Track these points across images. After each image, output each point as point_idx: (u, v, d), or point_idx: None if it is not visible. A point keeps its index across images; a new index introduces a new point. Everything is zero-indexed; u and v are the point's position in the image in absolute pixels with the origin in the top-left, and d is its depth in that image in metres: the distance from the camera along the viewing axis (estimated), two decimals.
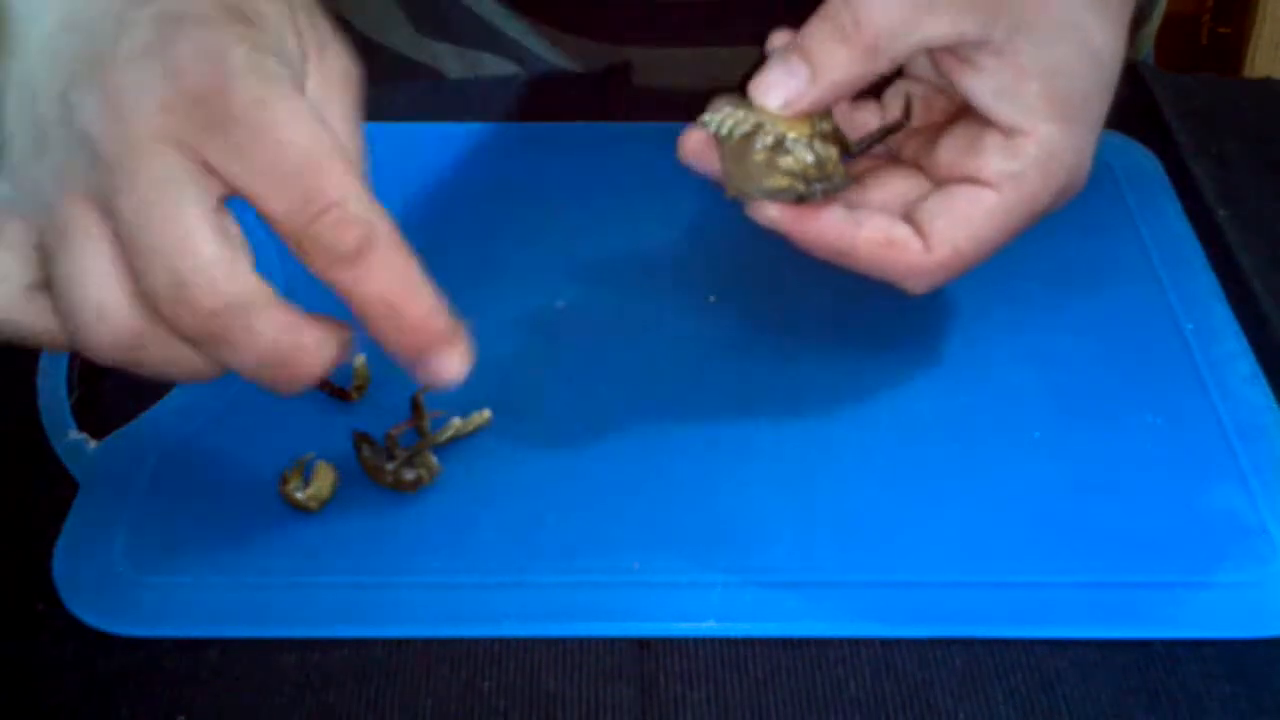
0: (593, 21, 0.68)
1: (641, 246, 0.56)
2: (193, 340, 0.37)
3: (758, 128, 0.41)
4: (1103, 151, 0.60)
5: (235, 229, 0.37)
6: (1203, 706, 0.40)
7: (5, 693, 0.41)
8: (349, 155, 0.37)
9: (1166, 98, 0.64)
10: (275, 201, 0.36)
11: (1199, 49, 1.82)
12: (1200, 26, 1.83)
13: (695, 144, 0.43)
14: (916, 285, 0.44)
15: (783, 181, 0.41)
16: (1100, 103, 0.44)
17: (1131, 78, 0.66)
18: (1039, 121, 0.42)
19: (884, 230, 0.43)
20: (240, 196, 0.36)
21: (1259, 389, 0.49)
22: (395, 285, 0.37)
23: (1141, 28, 0.72)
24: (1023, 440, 0.48)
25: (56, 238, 0.36)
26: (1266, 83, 0.69)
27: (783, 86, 0.42)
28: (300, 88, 0.37)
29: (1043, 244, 0.55)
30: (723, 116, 0.42)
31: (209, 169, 0.35)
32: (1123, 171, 0.60)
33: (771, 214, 0.42)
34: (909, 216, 0.44)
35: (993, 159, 0.43)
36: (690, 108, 0.44)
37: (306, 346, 0.38)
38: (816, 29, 0.41)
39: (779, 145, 0.41)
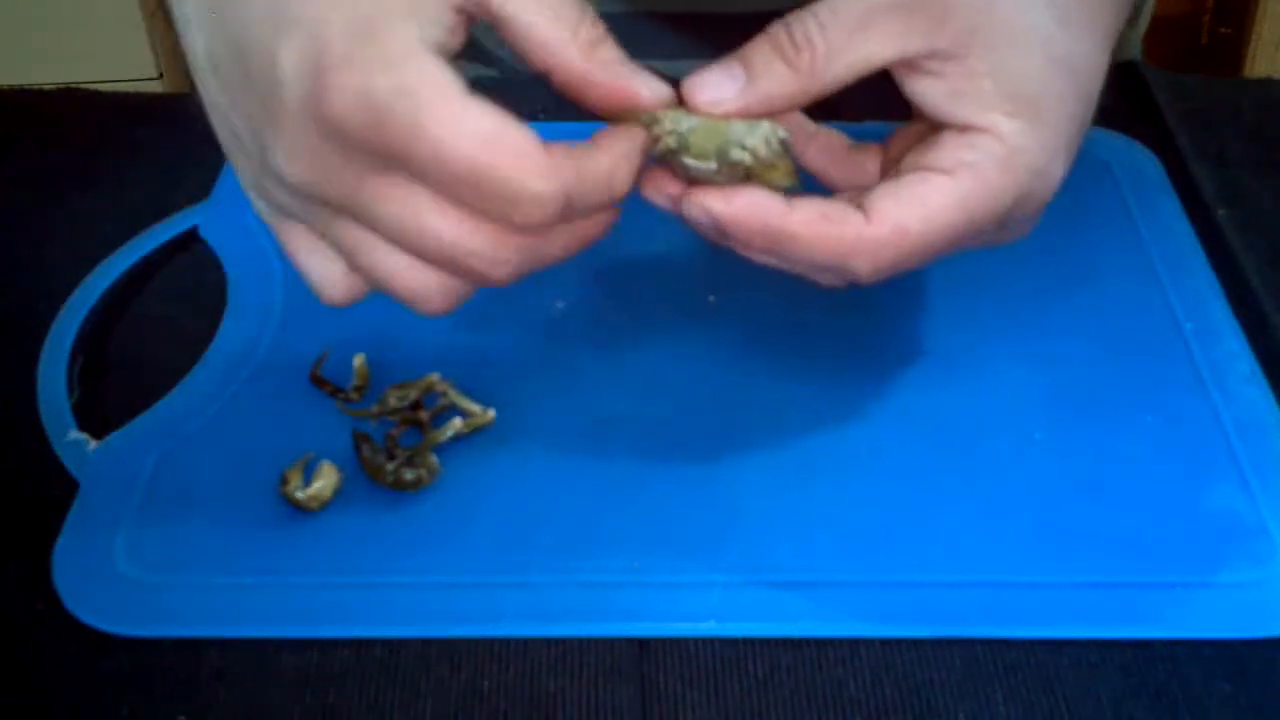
0: None
1: (641, 247, 0.56)
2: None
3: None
4: (1103, 151, 0.61)
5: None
6: (1203, 706, 0.40)
7: (5, 693, 0.41)
8: (533, 53, 0.38)
9: (1166, 98, 0.64)
10: (474, 203, 0.37)
11: (1199, 49, 1.82)
12: (1200, 26, 1.83)
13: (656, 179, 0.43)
14: (859, 266, 0.41)
15: (752, 141, 0.41)
16: (1073, 109, 0.42)
17: (1131, 78, 0.66)
18: (997, 117, 0.40)
19: (820, 206, 0.41)
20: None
21: (1259, 389, 0.49)
22: (603, 206, 0.40)
23: (1129, 29, 0.72)
24: (1023, 440, 0.48)
25: (353, 253, 0.40)
26: (1266, 83, 0.69)
27: (715, 86, 0.41)
28: (444, 56, 0.37)
29: (1043, 244, 0.55)
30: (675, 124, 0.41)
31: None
32: (1123, 171, 0.60)
33: (710, 204, 0.41)
34: (856, 204, 0.41)
35: (948, 150, 0.41)
36: None
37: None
38: (758, 44, 0.41)
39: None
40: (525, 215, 0.37)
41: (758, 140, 0.40)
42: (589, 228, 0.41)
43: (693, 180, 0.41)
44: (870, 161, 0.46)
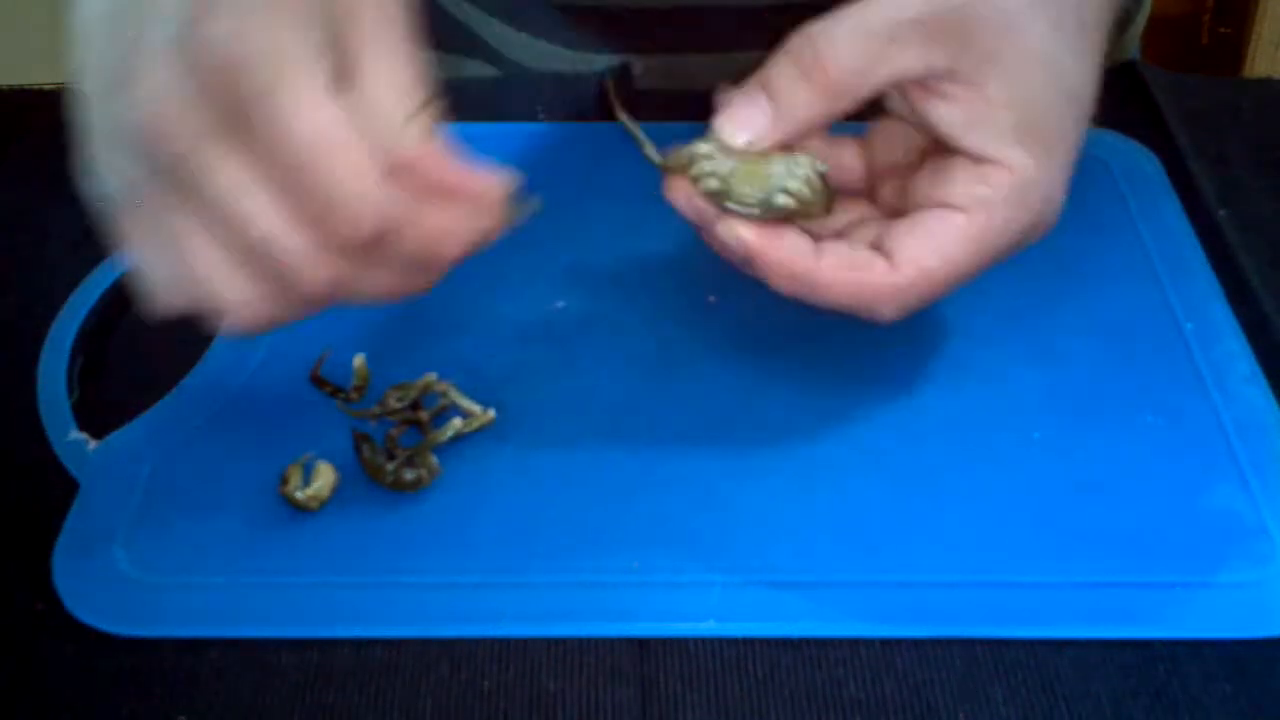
0: (595, 37, 0.68)
1: (641, 247, 0.56)
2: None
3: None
4: (1103, 151, 0.61)
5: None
6: (1203, 706, 0.40)
7: (5, 693, 0.41)
8: (375, 125, 0.36)
9: (1166, 98, 0.64)
10: (290, 192, 0.35)
11: (1199, 49, 1.82)
12: (1200, 26, 1.83)
13: (682, 193, 0.42)
14: (885, 310, 0.42)
15: (794, 185, 0.41)
16: (1075, 138, 0.42)
17: (1131, 78, 0.66)
18: (1011, 150, 0.41)
19: (846, 255, 0.42)
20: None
21: (1259, 389, 0.49)
22: (431, 240, 0.37)
23: (1126, 30, 0.72)
24: (1023, 440, 0.48)
25: (176, 241, 0.37)
26: (1266, 83, 0.69)
27: (748, 125, 0.41)
28: (319, 59, 0.35)
29: (1043, 244, 0.55)
30: (709, 161, 0.41)
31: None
32: (1123, 171, 0.60)
33: (743, 233, 0.41)
34: (877, 246, 0.42)
35: (962, 184, 0.41)
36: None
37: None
38: (780, 66, 0.41)
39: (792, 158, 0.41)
40: (337, 225, 0.35)
41: (799, 183, 0.41)
42: (414, 279, 0.39)
43: (728, 209, 0.42)
44: (847, 155, 0.46)
